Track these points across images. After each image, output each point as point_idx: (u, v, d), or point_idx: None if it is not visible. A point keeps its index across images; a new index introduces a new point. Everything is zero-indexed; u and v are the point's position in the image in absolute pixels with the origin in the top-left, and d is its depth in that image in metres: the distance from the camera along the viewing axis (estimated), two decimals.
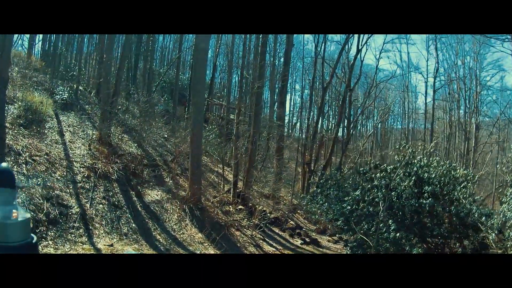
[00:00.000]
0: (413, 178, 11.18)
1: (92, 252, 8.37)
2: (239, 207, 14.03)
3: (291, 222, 16.36)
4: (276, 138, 18.73)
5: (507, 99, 26.86)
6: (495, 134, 27.53)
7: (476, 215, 10.88)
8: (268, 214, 14.31)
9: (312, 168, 22.49)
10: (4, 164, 2.07)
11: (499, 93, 30.30)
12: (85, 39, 21.66)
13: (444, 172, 11.63)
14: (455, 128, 28.01)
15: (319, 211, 17.99)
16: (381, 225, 11.24)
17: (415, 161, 11.86)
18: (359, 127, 29.52)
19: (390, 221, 11.70)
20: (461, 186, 11.41)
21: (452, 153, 28.08)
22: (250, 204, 14.36)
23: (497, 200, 21.24)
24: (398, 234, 11.03)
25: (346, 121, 26.35)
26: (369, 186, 12.40)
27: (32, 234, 2.11)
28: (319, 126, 26.87)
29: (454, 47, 28.94)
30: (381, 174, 12.25)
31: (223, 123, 22.24)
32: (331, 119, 33.23)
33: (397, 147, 13.33)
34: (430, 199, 11.24)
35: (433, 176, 11.53)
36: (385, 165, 12.50)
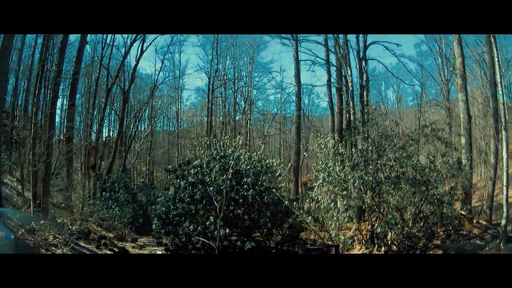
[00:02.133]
0: (231, 171, 10.45)
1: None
2: (41, 221, 10.76)
3: (92, 232, 13.78)
4: (66, 141, 16.48)
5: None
6: (273, 127, 31.06)
7: (287, 202, 10.98)
8: (71, 227, 11.44)
9: (98, 172, 20.17)
10: None
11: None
12: None
13: (257, 162, 11.50)
14: (227, 125, 29.95)
15: (112, 216, 16.39)
16: (207, 223, 10.52)
17: (227, 153, 11.52)
18: (135, 128, 29.29)
19: (211, 217, 10.71)
20: (277, 174, 10.66)
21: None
22: (49, 217, 11.28)
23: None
24: (228, 231, 10.54)
25: (127, 122, 26.34)
26: (182, 184, 11.49)
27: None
28: (103, 128, 26.40)
29: (230, 50, 30.88)
30: (195, 170, 11.50)
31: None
32: (112, 122, 32.26)
33: (201, 141, 12.15)
34: (251, 190, 10.87)
35: (248, 167, 11.27)
36: (198, 160, 11.43)
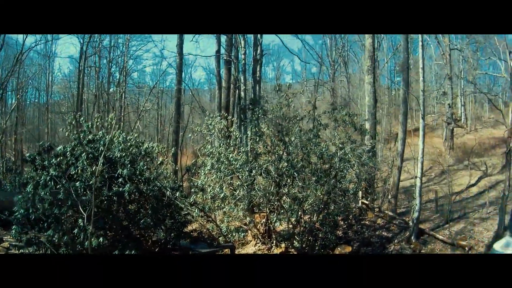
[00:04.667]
0: (102, 160, 8.57)
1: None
2: None
3: None
4: None
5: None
6: (150, 101, 30.61)
7: (169, 192, 9.96)
8: None
9: None
10: None
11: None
12: None
13: (134, 148, 9.97)
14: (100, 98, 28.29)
15: None
16: (75, 230, 8.69)
17: (97, 136, 9.61)
18: None
19: (80, 221, 8.75)
20: (159, 162, 9.85)
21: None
22: None
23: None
24: (101, 240, 8.70)
25: None
26: (43, 178, 9.13)
27: None
28: None
29: None
30: (57, 160, 9.26)
31: None
32: None
33: (69, 121, 10.01)
34: (128, 184, 9.23)
35: (123, 154, 9.64)
36: (62, 146, 9.03)
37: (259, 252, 10.73)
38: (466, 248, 10.35)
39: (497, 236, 10.90)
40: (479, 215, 11.71)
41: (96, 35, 26.22)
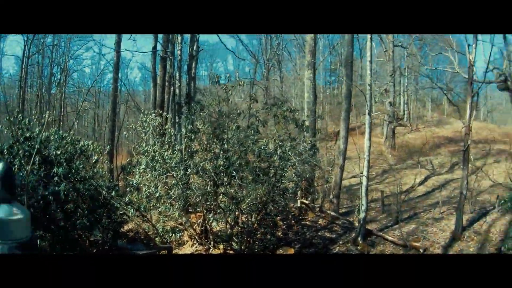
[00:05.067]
0: (37, 158, 8.78)
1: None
2: None
3: None
4: None
5: None
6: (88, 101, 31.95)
7: (104, 192, 9.71)
8: None
9: None
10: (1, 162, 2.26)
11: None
12: None
13: (70, 145, 9.72)
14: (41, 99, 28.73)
15: None
16: None
17: (34, 134, 9.30)
18: None
19: None
20: (94, 161, 9.47)
21: None
22: None
23: None
24: (38, 241, 8.35)
25: None
26: None
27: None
28: None
29: None
30: None
31: None
32: None
33: (7, 118, 10.08)
34: (63, 183, 9.10)
35: (59, 152, 9.50)
36: None
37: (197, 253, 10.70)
38: (421, 250, 10.11)
39: (454, 237, 10.55)
40: (432, 215, 11.54)
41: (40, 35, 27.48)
